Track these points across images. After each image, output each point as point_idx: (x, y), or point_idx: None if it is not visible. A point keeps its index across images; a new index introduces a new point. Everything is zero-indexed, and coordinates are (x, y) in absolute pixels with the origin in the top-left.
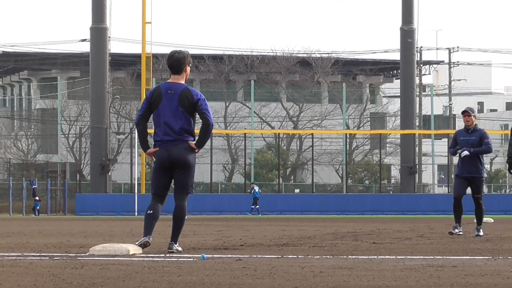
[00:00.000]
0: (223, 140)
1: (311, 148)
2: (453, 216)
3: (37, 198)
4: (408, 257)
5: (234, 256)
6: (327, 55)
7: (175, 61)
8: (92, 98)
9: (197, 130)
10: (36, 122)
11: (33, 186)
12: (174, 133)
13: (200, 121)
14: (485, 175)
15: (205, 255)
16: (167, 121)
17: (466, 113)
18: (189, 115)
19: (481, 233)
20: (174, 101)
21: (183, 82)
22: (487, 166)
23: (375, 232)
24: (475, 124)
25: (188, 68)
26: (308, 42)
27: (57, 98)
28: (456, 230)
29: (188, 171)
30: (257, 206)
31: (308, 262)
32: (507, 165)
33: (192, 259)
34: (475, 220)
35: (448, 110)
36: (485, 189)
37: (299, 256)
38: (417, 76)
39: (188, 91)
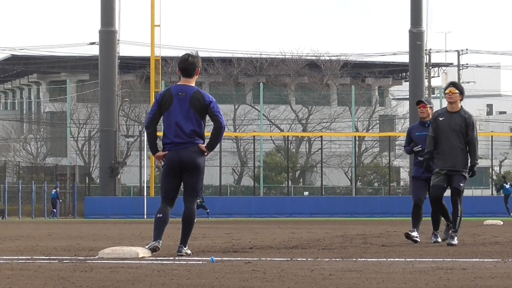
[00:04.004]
0: (232, 143)
1: (320, 150)
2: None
3: (54, 210)
4: (417, 259)
5: (243, 259)
6: (336, 57)
7: (190, 65)
8: (101, 101)
9: (207, 133)
10: (45, 125)
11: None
12: (185, 135)
13: (210, 124)
14: None
15: (214, 258)
16: (179, 121)
17: (421, 103)
18: (200, 118)
19: (439, 239)
20: (186, 103)
21: (193, 84)
22: (496, 169)
23: (385, 235)
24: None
25: (199, 72)
26: (317, 45)
27: (66, 101)
28: (414, 234)
29: (198, 174)
30: (207, 210)
31: (318, 265)
32: (424, 162)
33: (201, 262)
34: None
35: None
36: (494, 192)
37: (309, 259)
38: (426, 78)
39: (200, 94)
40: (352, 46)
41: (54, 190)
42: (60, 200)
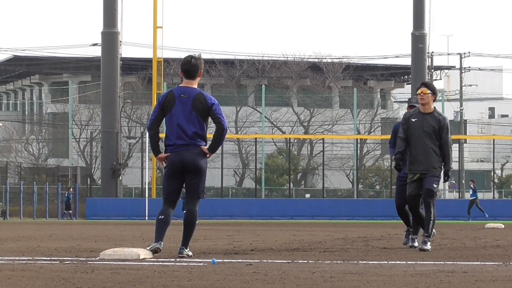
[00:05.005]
0: (234, 145)
1: (322, 153)
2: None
3: (70, 211)
4: (418, 262)
5: (244, 261)
6: (338, 60)
7: (193, 66)
8: (103, 102)
9: (209, 135)
10: (47, 126)
11: (68, 200)
12: (187, 137)
13: (212, 125)
14: None
15: (216, 260)
16: (181, 123)
17: (413, 107)
18: (202, 120)
19: (415, 244)
20: (188, 105)
21: (195, 86)
22: (498, 172)
23: (386, 237)
24: None
25: (201, 74)
26: (319, 47)
27: (68, 102)
28: (414, 243)
29: (200, 176)
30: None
31: (319, 267)
32: (394, 162)
33: (202, 264)
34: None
35: (459, 115)
36: (496, 195)
37: (310, 261)
38: (428, 81)
39: (202, 96)
40: (354, 48)
41: (67, 192)
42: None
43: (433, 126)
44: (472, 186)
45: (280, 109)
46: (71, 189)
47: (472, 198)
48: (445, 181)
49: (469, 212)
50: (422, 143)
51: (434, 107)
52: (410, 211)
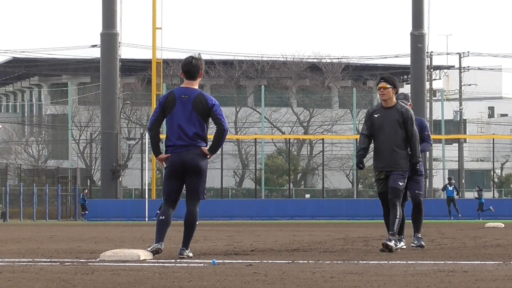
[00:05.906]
0: (234, 146)
1: (321, 153)
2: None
3: (87, 212)
4: (418, 262)
5: (244, 261)
6: (337, 60)
7: (194, 67)
8: (103, 103)
9: (209, 136)
10: (46, 127)
11: (85, 203)
12: (187, 138)
13: (213, 126)
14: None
15: (216, 261)
16: (181, 124)
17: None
18: (203, 121)
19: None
20: (189, 106)
21: (196, 87)
22: (497, 171)
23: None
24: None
25: (202, 74)
26: (318, 47)
27: (68, 104)
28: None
29: (200, 176)
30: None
31: (319, 267)
32: (357, 159)
33: (202, 265)
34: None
35: (458, 115)
36: (496, 194)
37: (310, 261)
38: (427, 81)
39: (203, 97)
40: (353, 48)
41: (82, 193)
42: (87, 202)
43: (397, 120)
44: (452, 186)
45: (280, 110)
46: (86, 191)
47: (450, 196)
48: (413, 174)
49: (457, 209)
50: (386, 139)
51: (396, 100)
52: (384, 207)
